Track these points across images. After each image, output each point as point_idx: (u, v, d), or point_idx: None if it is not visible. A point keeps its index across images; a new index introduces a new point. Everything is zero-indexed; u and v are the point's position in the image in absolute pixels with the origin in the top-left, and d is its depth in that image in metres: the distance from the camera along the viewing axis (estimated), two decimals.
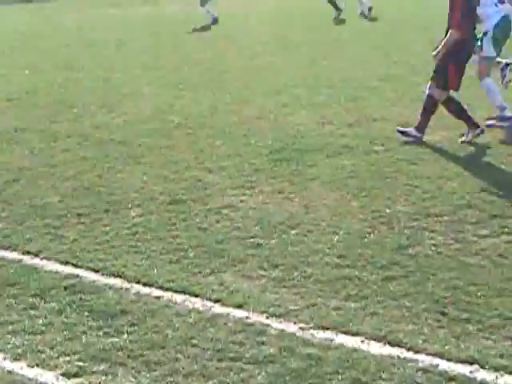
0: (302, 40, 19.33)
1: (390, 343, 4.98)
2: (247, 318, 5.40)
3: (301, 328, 5.23)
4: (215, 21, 24.52)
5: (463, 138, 9.57)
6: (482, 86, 10.15)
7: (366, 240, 6.64)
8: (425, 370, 4.65)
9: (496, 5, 10.10)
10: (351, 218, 7.15)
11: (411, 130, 9.64)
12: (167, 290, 5.88)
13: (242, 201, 7.80)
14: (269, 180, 8.40)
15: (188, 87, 13.99)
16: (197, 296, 5.75)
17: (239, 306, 5.57)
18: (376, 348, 4.94)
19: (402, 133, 9.68)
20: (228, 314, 5.46)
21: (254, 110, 11.81)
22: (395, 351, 4.89)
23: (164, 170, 8.96)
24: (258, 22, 24.20)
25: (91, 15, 30.18)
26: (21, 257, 6.68)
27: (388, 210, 7.30)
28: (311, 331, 5.17)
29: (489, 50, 10.11)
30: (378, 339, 5.03)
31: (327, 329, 5.19)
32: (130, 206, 7.80)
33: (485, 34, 10.13)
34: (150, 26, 25.34)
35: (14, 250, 6.83)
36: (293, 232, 6.91)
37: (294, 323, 5.29)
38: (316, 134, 10.19)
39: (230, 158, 9.27)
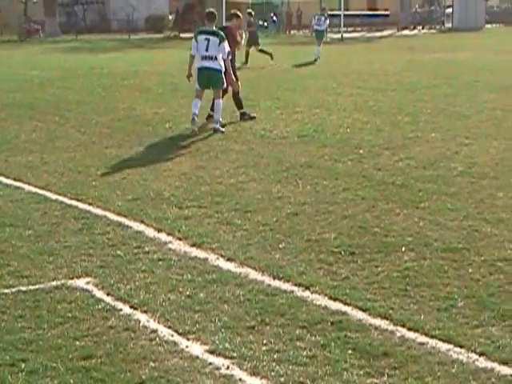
0: None
1: None
2: None
3: None
4: None
5: None
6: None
7: None
8: None
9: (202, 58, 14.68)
10: None
11: None
12: (432, 337, 5.82)
13: None
14: None
15: (475, 136, 13.79)
16: (462, 347, 5.65)
17: (505, 363, 5.40)
18: None
19: None
20: (492, 370, 5.32)
21: None
22: None
23: (442, 216, 8.88)
24: None
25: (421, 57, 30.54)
26: (292, 288, 6.86)
27: None
28: None
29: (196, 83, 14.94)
30: None
31: None
32: (403, 249, 7.80)
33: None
34: (443, 71, 25.31)
35: (288, 281, 7.03)
36: None
37: None
38: None
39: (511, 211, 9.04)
